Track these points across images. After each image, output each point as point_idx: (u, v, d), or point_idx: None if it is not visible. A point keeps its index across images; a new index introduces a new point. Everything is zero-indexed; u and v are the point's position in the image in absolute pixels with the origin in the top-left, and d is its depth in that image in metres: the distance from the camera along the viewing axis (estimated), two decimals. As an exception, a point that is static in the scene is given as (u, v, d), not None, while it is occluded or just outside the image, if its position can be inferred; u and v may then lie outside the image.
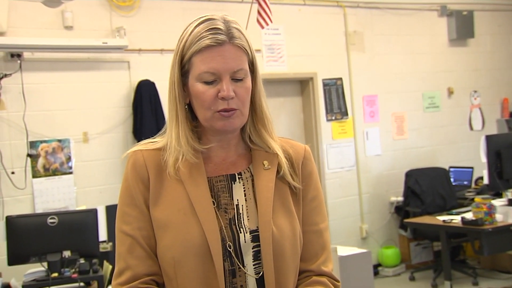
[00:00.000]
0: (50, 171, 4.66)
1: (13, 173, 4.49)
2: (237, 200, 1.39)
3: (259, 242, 1.34)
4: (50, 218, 3.40)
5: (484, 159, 4.61)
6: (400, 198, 6.30)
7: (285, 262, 1.36)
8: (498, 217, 4.39)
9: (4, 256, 3.54)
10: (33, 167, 4.60)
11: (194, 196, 1.34)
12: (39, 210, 4.55)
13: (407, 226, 5.82)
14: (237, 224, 1.36)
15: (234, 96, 1.34)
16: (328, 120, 6.11)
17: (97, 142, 4.87)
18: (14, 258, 3.37)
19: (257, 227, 1.36)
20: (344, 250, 3.88)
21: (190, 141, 1.38)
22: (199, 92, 1.34)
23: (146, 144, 1.43)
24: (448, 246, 4.81)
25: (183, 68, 1.37)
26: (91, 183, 4.82)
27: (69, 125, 4.76)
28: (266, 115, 1.44)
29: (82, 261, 3.51)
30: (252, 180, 1.41)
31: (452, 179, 6.28)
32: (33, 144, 4.60)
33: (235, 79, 1.35)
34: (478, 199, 4.46)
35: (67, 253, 3.44)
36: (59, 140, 4.71)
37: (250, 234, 1.35)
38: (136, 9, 5.09)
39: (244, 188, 1.40)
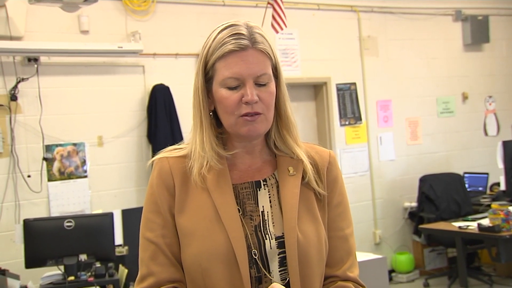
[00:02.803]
0: (65, 175, 4.68)
1: (29, 176, 4.51)
2: (262, 206, 1.38)
3: (285, 248, 1.34)
4: (67, 222, 3.41)
5: (501, 165, 4.57)
6: (414, 204, 6.26)
7: (311, 268, 1.35)
8: (515, 223, 4.34)
9: (21, 259, 3.56)
10: (49, 170, 4.62)
11: (219, 204, 1.34)
12: (54, 213, 4.57)
13: (422, 232, 5.77)
14: (262, 231, 1.36)
15: (257, 100, 1.34)
16: (341, 125, 6.09)
17: (112, 146, 4.88)
18: (31, 261, 3.39)
19: (282, 233, 1.35)
20: (359, 256, 3.86)
21: (215, 147, 1.38)
22: (223, 97, 1.35)
23: (171, 151, 1.43)
24: (464, 253, 4.76)
25: (207, 74, 1.37)
26: (106, 187, 4.84)
27: (84, 129, 4.78)
28: (290, 120, 1.44)
29: (98, 264, 3.52)
30: (277, 187, 1.41)
31: (466, 185, 6.23)
32: (48, 148, 4.62)
33: (259, 84, 1.35)
34: (495, 205, 4.42)
35: (83, 257, 3.44)
36: (74, 144, 4.73)
37: (275, 240, 1.35)
38: (151, 13, 5.10)
39: (269, 194, 1.40)
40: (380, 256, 4.26)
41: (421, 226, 5.36)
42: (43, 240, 3.40)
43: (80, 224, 3.43)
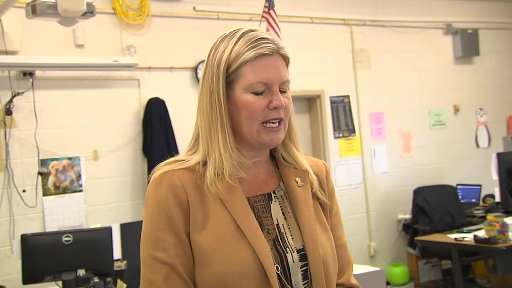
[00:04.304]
0: (60, 189, 4.64)
1: (24, 191, 4.47)
2: (277, 219, 1.36)
3: (307, 261, 1.32)
4: (65, 236, 3.38)
5: (495, 177, 4.60)
6: (408, 216, 6.28)
7: (331, 278, 1.36)
8: (511, 235, 4.37)
9: (16, 274, 3.52)
10: (44, 185, 4.58)
11: (240, 218, 1.29)
12: (49, 228, 4.53)
13: (418, 244, 5.78)
14: (282, 245, 1.33)
15: (284, 106, 1.33)
16: (335, 138, 6.11)
17: (107, 160, 4.86)
18: (29, 277, 3.34)
19: (302, 246, 1.34)
20: (356, 268, 3.86)
21: (237, 154, 1.33)
22: (249, 102, 1.31)
23: (175, 164, 1.35)
24: (460, 265, 4.78)
25: (227, 78, 1.32)
26: (101, 201, 4.81)
27: (79, 143, 4.75)
28: (294, 129, 1.43)
29: (96, 279, 3.48)
30: (287, 198, 1.39)
31: (460, 197, 6.26)
32: (44, 162, 4.59)
33: (281, 90, 1.34)
34: (490, 217, 4.45)
35: (81, 272, 3.40)
36: (70, 158, 4.70)
37: (297, 253, 1.33)
38: (146, 27, 5.11)
39: (281, 206, 1.38)
40: (377, 269, 4.27)
41: (417, 238, 5.37)
42: (41, 256, 3.36)
43: (78, 239, 3.39)
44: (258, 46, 1.31)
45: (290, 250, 1.32)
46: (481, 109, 7.18)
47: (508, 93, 7.42)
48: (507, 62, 7.46)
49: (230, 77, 1.32)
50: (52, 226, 4.55)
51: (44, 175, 4.58)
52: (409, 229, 6.17)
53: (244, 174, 1.34)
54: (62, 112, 4.71)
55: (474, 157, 7.02)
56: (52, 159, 4.63)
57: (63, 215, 4.61)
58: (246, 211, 1.31)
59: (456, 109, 6.96)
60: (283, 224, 1.36)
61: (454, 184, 6.45)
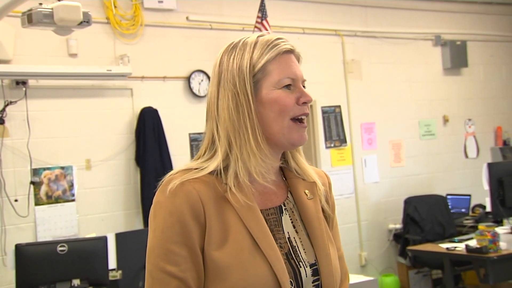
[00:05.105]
0: (52, 199, 4.61)
1: (16, 200, 4.44)
2: (288, 233, 1.34)
3: (319, 275, 1.32)
4: (60, 246, 3.36)
5: (486, 187, 4.65)
6: (398, 226, 6.31)
7: None
8: (502, 245, 4.41)
9: (9, 285, 3.49)
10: (36, 194, 4.55)
11: (256, 233, 1.26)
12: (41, 238, 4.49)
13: (408, 254, 5.82)
14: (295, 259, 1.31)
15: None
16: (327, 147, 6.14)
17: (100, 169, 4.84)
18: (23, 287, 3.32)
19: (315, 260, 1.33)
20: (350, 278, 3.88)
21: (269, 152, 1.32)
22: (280, 97, 1.31)
23: (189, 173, 1.29)
24: (452, 274, 4.81)
25: (253, 78, 1.31)
26: (94, 211, 4.78)
27: (72, 152, 4.73)
28: None
29: (91, 290, 3.46)
30: (297, 211, 1.38)
31: (450, 206, 6.31)
32: (36, 172, 4.56)
33: None
34: (482, 226, 4.49)
35: (76, 282, 3.38)
36: (62, 167, 4.68)
37: (310, 268, 1.32)
38: (139, 36, 5.12)
39: (291, 219, 1.36)
40: (371, 278, 4.29)
41: (409, 248, 5.40)
42: (35, 266, 3.33)
43: (73, 249, 3.37)
44: (279, 44, 1.33)
45: (303, 265, 1.32)
46: (469, 119, 7.26)
47: (496, 104, 7.51)
48: (494, 74, 7.56)
49: (256, 76, 1.31)
50: (44, 236, 4.52)
51: (36, 185, 4.55)
52: (400, 238, 6.21)
53: (273, 177, 1.34)
54: (55, 121, 4.69)
55: (463, 167, 7.09)
56: (44, 169, 4.60)
57: (55, 224, 4.58)
58: (261, 224, 1.28)
59: (446, 120, 7.03)
60: (294, 238, 1.34)
61: (444, 194, 6.50)
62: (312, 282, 1.31)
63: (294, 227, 1.35)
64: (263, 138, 1.30)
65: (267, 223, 1.30)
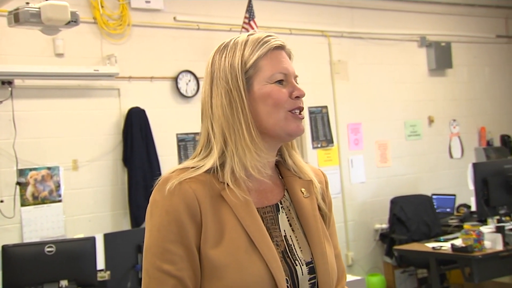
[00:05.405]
0: (39, 199, 4.58)
1: (1, 201, 4.40)
2: (284, 231, 1.35)
3: (315, 274, 1.33)
4: (48, 247, 3.34)
5: (471, 187, 4.70)
6: (385, 225, 6.35)
7: None
8: (487, 244, 4.46)
9: (-3, 286, 3.46)
10: (22, 195, 4.52)
11: (253, 231, 1.27)
12: (27, 239, 4.46)
13: (394, 253, 5.86)
14: (291, 257, 1.32)
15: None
16: (314, 148, 6.17)
17: (87, 169, 4.82)
18: (10, 289, 3.29)
19: (311, 258, 1.34)
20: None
21: (264, 147, 1.33)
22: (273, 90, 1.32)
23: (186, 172, 1.30)
24: (438, 273, 4.85)
25: (245, 75, 1.33)
26: (81, 211, 4.76)
27: (59, 153, 4.70)
28: None
29: (78, 291, 3.45)
30: (293, 209, 1.39)
31: (435, 206, 6.37)
32: (22, 172, 4.53)
33: None
34: (467, 226, 4.53)
35: (64, 283, 3.36)
36: (49, 168, 4.65)
37: (306, 266, 1.33)
38: (126, 37, 5.10)
39: (288, 218, 1.37)
40: (358, 278, 4.33)
41: (396, 247, 5.44)
42: (22, 267, 3.31)
43: (61, 249, 3.36)
44: (269, 41, 1.35)
45: (299, 263, 1.32)
46: (454, 120, 7.33)
47: (480, 105, 7.60)
48: (478, 75, 7.64)
49: (248, 72, 1.33)
50: (30, 237, 4.48)
51: (22, 185, 4.51)
52: (386, 238, 6.25)
53: (269, 172, 1.35)
54: (42, 122, 4.66)
55: (448, 168, 7.15)
56: (30, 169, 4.57)
57: (41, 225, 4.55)
58: (258, 223, 1.29)
59: (431, 120, 7.09)
60: (290, 236, 1.35)
61: (429, 194, 6.56)
62: (309, 280, 1.32)
63: (290, 225, 1.36)
64: (257, 133, 1.32)
65: (263, 221, 1.31)
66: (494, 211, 4.68)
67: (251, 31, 1.41)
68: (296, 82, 1.38)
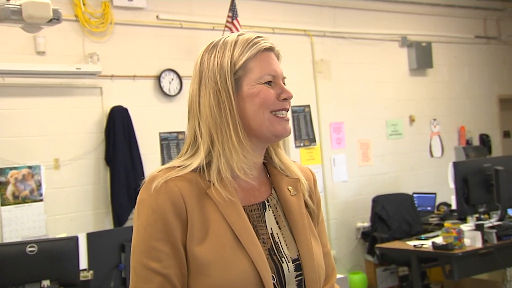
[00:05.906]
0: (19, 199, 4.53)
1: (-18, 200, 4.36)
2: (271, 228, 1.36)
3: (301, 271, 1.34)
4: (30, 247, 3.30)
5: (452, 185, 4.75)
6: (366, 224, 6.40)
7: (322, 287, 1.39)
8: (466, 241, 4.52)
9: (-23, 287, 3.41)
10: (2, 194, 4.47)
11: (238, 229, 1.28)
12: (7, 239, 4.41)
13: (375, 252, 5.91)
14: (277, 254, 1.33)
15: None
16: (296, 147, 6.19)
17: (69, 168, 4.78)
18: (-9, 289, 3.25)
19: (297, 256, 1.35)
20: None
21: (250, 148, 1.34)
22: (262, 91, 1.33)
23: (172, 171, 1.31)
24: (419, 271, 4.90)
25: (234, 75, 1.34)
26: (62, 211, 4.72)
27: (40, 152, 4.66)
28: None
29: (61, 290, 3.42)
30: (280, 207, 1.40)
31: (416, 205, 6.43)
32: (2, 171, 4.48)
33: None
34: (448, 224, 4.58)
35: (46, 283, 3.32)
36: (30, 167, 4.60)
37: (292, 263, 1.34)
38: (109, 35, 5.07)
39: (274, 216, 1.38)
40: (341, 276, 4.36)
41: (378, 245, 5.48)
42: (4, 266, 3.26)
43: (43, 249, 3.32)
44: (259, 42, 1.36)
45: (285, 260, 1.33)
46: (434, 119, 7.41)
47: (459, 105, 7.69)
48: (458, 75, 7.74)
49: (237, 73, 1.34)
50: (10, 237, 4.44)
51: (2, 185, 4.47)
52: (368, 237, 6.30)
53: (255, 173, 1.35)
54: (22, 120, 4.61)
55: (428, 166, 7.23)
56: (11, 168, 4.52)
57: (22, 225, 4.50)
58: (243, 220, 1.30)
59: (412, 120, 7.16)
60: (277, 234, 1.36)
61: (410, 193, 6.63)
62: (295, 278, 1.33)
63: (277, 223, 1.38)
64: (244, 134, 1.33)
65: (250, 219, 1.32)
66: (473, 209, 4.74)
67: (241, 31, 1.42)
68: (284, 83, 1.39)
